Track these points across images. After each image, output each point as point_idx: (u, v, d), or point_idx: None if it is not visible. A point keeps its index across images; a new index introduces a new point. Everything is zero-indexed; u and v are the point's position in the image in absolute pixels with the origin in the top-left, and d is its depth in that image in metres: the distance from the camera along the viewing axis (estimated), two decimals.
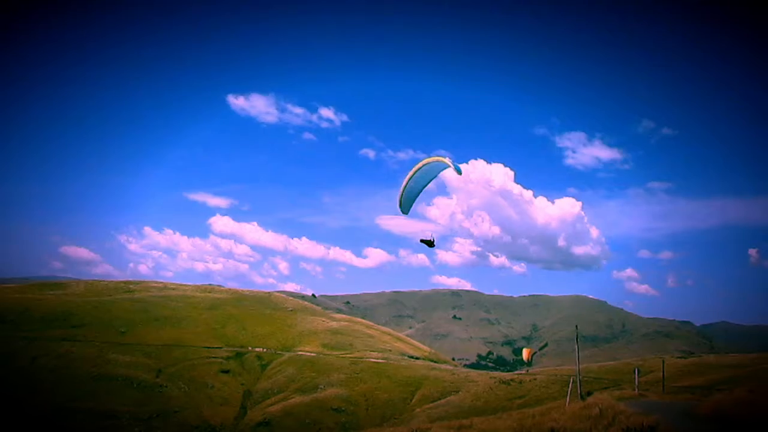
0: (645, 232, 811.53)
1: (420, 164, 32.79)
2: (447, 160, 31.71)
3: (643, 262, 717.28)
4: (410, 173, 33.55)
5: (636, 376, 51.03)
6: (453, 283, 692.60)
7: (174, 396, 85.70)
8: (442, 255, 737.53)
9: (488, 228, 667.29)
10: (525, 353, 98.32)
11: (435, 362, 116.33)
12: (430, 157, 33.16)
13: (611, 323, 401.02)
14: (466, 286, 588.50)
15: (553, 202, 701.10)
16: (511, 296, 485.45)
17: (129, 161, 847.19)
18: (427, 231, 38.17)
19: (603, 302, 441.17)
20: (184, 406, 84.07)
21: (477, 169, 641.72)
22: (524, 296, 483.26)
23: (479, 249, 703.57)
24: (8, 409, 74.92)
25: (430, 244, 37.38)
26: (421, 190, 35.14)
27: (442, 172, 33.70)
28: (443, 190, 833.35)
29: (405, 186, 34.24)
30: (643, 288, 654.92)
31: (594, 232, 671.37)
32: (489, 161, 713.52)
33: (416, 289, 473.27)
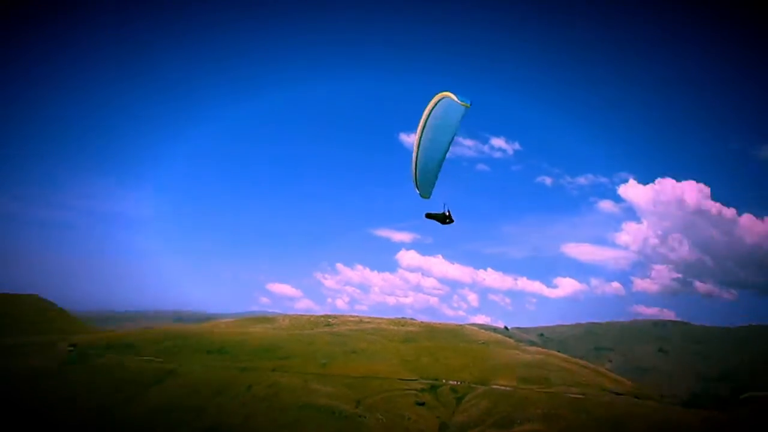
0: None
1: (425, 116, 25.10)
2: (449, 95, 24.66)
3: None
4: (417, 135, 25.77)
5: None
6: (653, 312, 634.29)
7: (372, 426, 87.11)
8: (639, 283, 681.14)
9: (687, 252, 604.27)
10: None
11: (640, 398, 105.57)
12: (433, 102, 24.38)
13: None
14: (670, 315, 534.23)
15: (762, 220, 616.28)
16: (726, 326, 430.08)
17: (319, 204, 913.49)
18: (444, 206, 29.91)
19: None
20: None
21: (666, 188, 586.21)
22: (742, 326, 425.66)
23: (680, 275, 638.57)
24: None
25: (442, 219, 29.11)
26: (443, 160, 26.33)
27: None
28: (631, 215, 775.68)
29: (416, 156, 26.50)
30: None
31: None
32: (678, 179, 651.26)
33: (613, 320, 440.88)
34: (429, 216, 29.38)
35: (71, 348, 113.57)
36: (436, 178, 26.89)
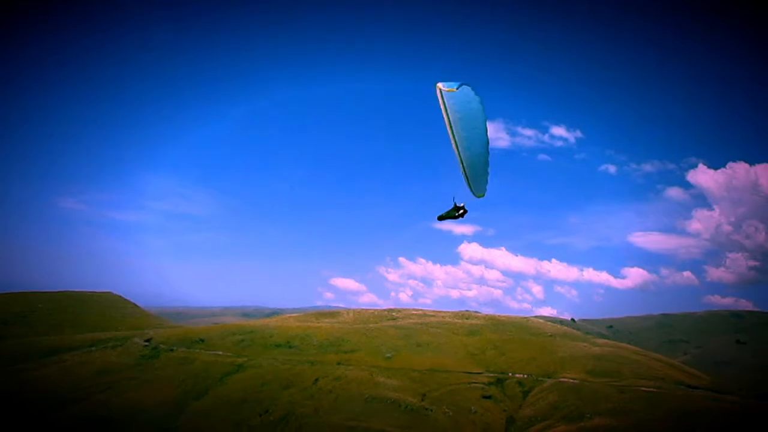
0: None
1: (444, 114, 23.00)
2: (442, 87, 22.03)
3: None
4: (450, 134, 23.63)
5: None
6: (729, 302, 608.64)
7: (439, 420, 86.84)
8: (713, 272, 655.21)
9: (764, 239, 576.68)
10: None
11: (718, 393, 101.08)
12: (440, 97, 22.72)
13: None
14: (747, 305, 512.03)
15: None
16: None
17: (379, 199, 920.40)
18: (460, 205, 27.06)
19: None
20: (449, 430, 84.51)
21: (739, 172, 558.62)
22: None
23: (757, 263, 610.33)
24: (293, 425, 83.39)
25: (453, 214, 26.80)
26: (487, 151, 24.16)
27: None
28: (702, 201, 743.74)
29: (459, 155, 24.25)
30: None
31: None
32: (752, 162, 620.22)
33: (687, 311, 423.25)
34: (442, 218, 27.38)
35: (146, 343, 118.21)
36: (487, 172, 25.34)
